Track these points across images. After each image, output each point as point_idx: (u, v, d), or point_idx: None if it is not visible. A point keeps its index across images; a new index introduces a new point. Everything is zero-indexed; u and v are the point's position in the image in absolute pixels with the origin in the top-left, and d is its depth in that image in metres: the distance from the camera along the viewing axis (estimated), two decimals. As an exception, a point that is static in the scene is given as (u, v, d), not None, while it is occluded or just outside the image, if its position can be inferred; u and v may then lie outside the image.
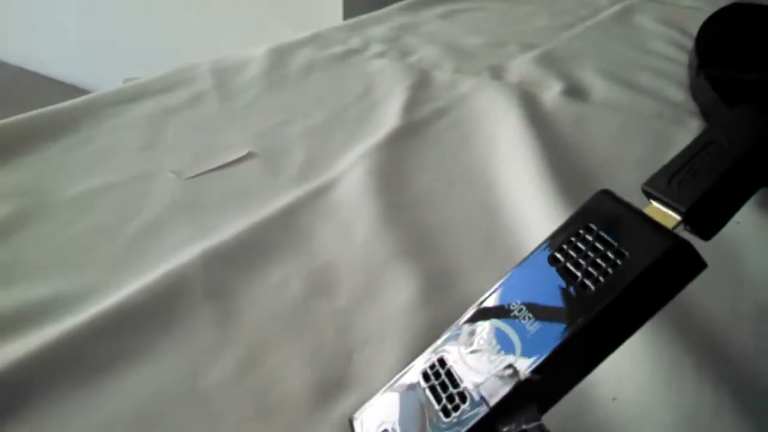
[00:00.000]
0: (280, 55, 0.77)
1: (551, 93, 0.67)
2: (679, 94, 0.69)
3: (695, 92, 0.68)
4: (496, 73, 0.72)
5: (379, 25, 0.87)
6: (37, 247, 0.46)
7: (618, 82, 0.70)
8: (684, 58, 0.78)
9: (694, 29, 0.82)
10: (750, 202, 0.49)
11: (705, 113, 0.64)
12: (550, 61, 0.76)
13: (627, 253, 0.28)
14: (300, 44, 0.80)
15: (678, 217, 0.28)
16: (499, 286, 0.32)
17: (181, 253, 0.44)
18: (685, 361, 0.35)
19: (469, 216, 0.49)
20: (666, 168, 0.30)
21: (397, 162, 0.55)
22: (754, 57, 0.70)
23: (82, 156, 0.57)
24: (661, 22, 0.90)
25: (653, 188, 0.30)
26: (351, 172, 0.53)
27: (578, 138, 0.60)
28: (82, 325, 0.38)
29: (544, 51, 0.79)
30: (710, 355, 0.36)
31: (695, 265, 0.27)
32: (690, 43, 0.81)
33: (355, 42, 0.81)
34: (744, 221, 0.48)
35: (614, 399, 0.34)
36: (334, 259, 0.44)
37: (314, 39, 0.82)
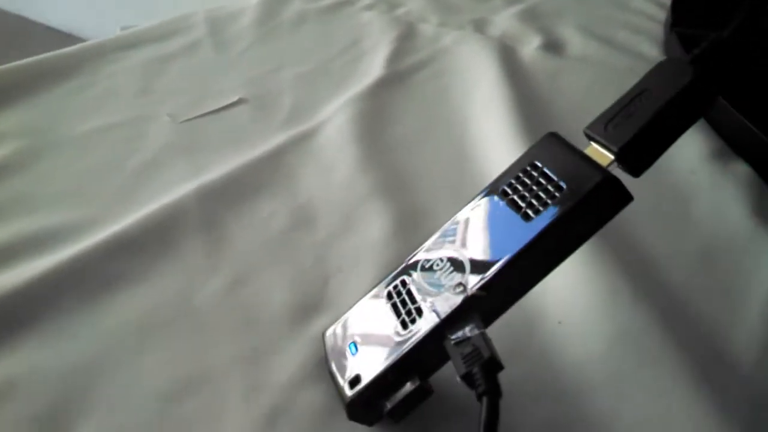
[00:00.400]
0: (272, 5, 0.80)
1: (530, 47, 0.70)
2: (653, 50, 0.72)
3: (667, 49, 0.71)
4: (479, 27, 0.76)
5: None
6: (46, 181, 0.50)
7: (595, 38, 0.74)
8: (662, 15, 0.81)
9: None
10: (705, 153, 0.53)
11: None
12: (532, 16, 0.79)
13: (564, 186, 0.32)
14: (291, -5, 0.83)
15: (611, 156, 0.32)
16: (454, 218, 0.36)
17: (177, 188, 0.48)
18: (623, 286, 0.39)
19: (442, 162, 0.53)
20: (604, 114, 0.34)
21: (379, 110, 0.59)
22: (727, 17, 0.73)
23: (84, 99, 0.61)
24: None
25: (592, 131, 0.34)
26: (335, 118, 0.57)
27: (552, 91, 0.63)
28: (87, 249, 0.42)
29: (527, 6, 0.82)
30: (647, 284, 0.40)
31: (623, 197, 0.31)
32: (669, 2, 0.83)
33: (344, -6, 0.84)
34: (698, 172, 0.52)
35: (560, 322, 0.39)
36: (316, 197, 0.48)
37: (305, -9, 0.85)
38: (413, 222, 0.46)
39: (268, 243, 0.44)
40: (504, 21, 0.78)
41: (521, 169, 0.35)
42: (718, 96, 0.33)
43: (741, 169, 0.52)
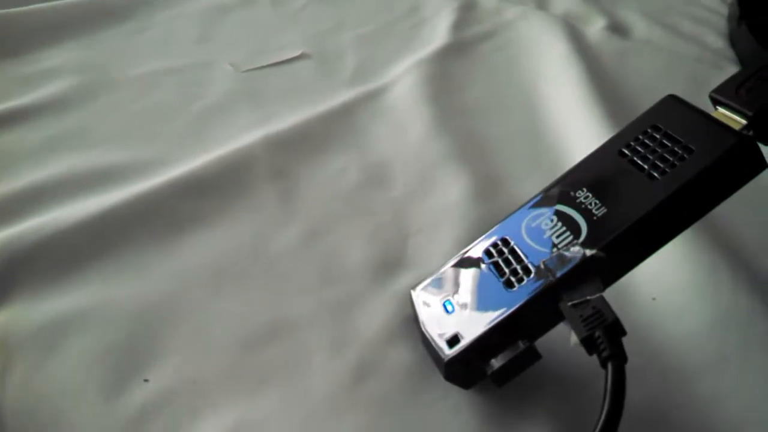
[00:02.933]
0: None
1: (595, 27, 0.68)
2: (718, 41, 0.70)
3: (734, 41, 0.70)
4: (541, 4, 0.73)
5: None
6: (107, 118, 0.48)
7: (659, 24, 0.72)
8: (724, 10, 0.79)
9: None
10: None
11: (743, 61, 0.66)
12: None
13: (694, 148, 0.30)
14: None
15: (744, 121, 0.31)
16: (563, 177, 0.34)
17: (245, 135, 0.46)
18: (722, 265, 0.37)
19: (516, 130, 0.51)
20: (734, 77, 0.32)
21: (447, 75, 0.57)
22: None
23: (140, 42, 0.59)
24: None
25: (720, 95, 0.32)
26: (403, 79, 0.55)
27: (620, 71, 0.61)
28: (156, 186, 0.41)
29: (588, -11, 0.80)
30: (745, 263, 0.38)
31: (758, 163, 0.29)
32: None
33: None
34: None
35: (654, 299, 0.37)
36: (389, 155, 0.46)
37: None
38: (493, 187, 0.44)
39: (343, 197, 0.42)
40: (565, 1, 0.76)
41: (641, 131, 0.33)
42: None
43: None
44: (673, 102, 0.33)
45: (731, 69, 0.64)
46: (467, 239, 0.38)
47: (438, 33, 0.64)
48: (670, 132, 0.31)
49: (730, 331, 0.35)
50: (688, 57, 0.66)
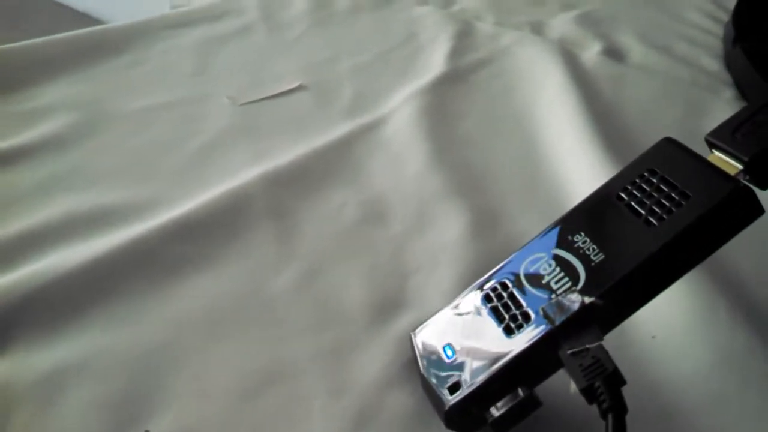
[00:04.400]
0: (324, -6, 0.78)
1: (591, 52, 0.69)
2: (713, 64, 0.70)
3: (730, 63, 0.70)
4: (537, 29, 0.74)
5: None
6: (101, 156, 0.48)
7: (654, 48, 0.72)
8: (718, 30, 0.79)
9: (730, 3, 0.83)
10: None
11: (739, 84, 0.66)
12: (589, 22, 0.77)
13: (691, 195, 0.30)
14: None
15: (739, 166, 0.31)
16: (560, 221, 0.34)
17: (242, 173, 0.46)
18: (719, 304, 0.37)
19: (514, 162, 0.51)
20: (730, 120, 0.32)
21: (444, 104, 0.57)
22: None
23: (136, 76, 0.59)
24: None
25: (716, 139, 0.32)
26: (401, 111, 0.55)
27: (617, 97, 0.62)
28: (152, 229, 0.40)
29: (583, 12, 0.80)
30: (741, 302, 0.38)
31: (754, 209, 0.29)
32: (725, 17, 0.82)
33: (397, -14, 0.82)
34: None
35: (654, 337, 0.37)
36: (387, 190, 0.46)
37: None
38: (491, 223, 0.44)
39: (341, 235, 0.42)
40: (561, 25, 0.76)
41: (638, 175, 0.33)
42: None
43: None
44: (668, 145, 0.33)
45: (727, 92, 0.64)
46: (467, 277, 0.38)
47: (434, 61, 0.64)
48: (666, 176, 0.31)
49: (729, 371, 0.35)
50: (683, 81, 0.67)
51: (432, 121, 0.54)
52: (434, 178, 0.47)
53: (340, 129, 0.52)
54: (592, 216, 0.33)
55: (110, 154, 0.49)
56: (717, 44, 0.76)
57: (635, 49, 0.71)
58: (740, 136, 0.31)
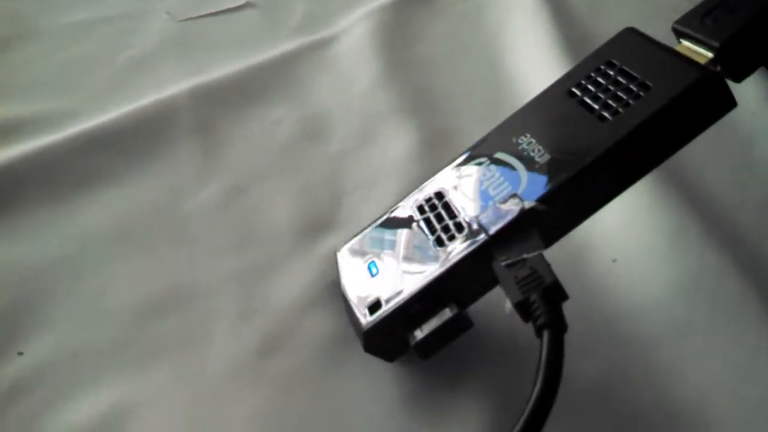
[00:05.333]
0: None
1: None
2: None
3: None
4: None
5: None
6: (24, 69, 0.44)
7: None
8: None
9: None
10: (765, 94, 0.47)
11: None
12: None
13: (652, 85, 0.25)
14: None
15: (710, 54, 0.26)
16: (505, 123, 0.30)
17: (170, 87, 0.42)
18: (690, 224, 0.33)
19: (474, 81, 0.46)
20: (699, 6, 0.28)
21: (403, 24, 0.52)
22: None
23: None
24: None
25: (684, 26, 0.28)
26: (354, 29, 0.50)
27: (592, 19, 0.57)
28: (61, 140, 0.37)
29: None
30: (715, 222, 0.34)
31: (724, 101, 0.25)
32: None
33: None
34: (759, 113, 0.46)
35: (614, 260, 0.33)
36: (331, 107, 0.42)
37: None
38: (442, 141, 0.40)
39: (274, 152, 0.38)
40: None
41: (594, 68, 0.28)
42: None
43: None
44: (631, 35, 0.29)
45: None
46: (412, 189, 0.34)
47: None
48: (626, 68, 0.27)
49: (697, 298, 0.30)
50: (665, 4, 0.62)
51: (388, 41, 0.49)
52: (383, 96, 0.43)
53: (285, 46, 0.47)
54: (539, 115, 0.29)
55: (35, 67, 0.45)
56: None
57: (617, -25, 0.67)
58: (710, 22, 0.27)
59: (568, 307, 0.26)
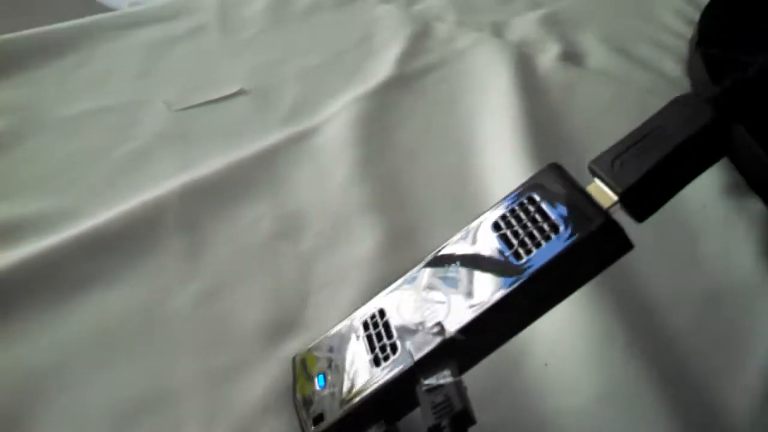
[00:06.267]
0: (287, -8, 0.77)
1: (548, 56, 0.67)
2: (676, 69, 0.69)
3: (691, 69, 0.68)
4: (498, 30, 0.73)
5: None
6: (28, 164, 0.48)
7: (617, 51, 0.70)
8: (689, 32, 0.78)
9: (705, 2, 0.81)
10: (719, 187, 0.50)
11: (696, 92, 0.65)
12: (554, 22, 0.76)
13: (561, 228, 0.29)
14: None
15: (614, 198, 0.30)
16: (445, 246, 0.33)
17: (162, 184, 0.46)
18: (618, 333, 0.37)
19: (443, 174, 0.50)
20: (613, 148, 0.32)
21: (383, 112, 0.56)
22: (755, 40, 0.70)
23: (79, 78, 0.59)
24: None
25: (597, 167, 0.31)
26: (337, 118, 0.54)
27: (567, 106, 0.60)
28: (57, 244, 0.40)
29: (550, 10, 0.79)
30: (646, 328, 0.37)
31: (622, 245, 0.28)
32: (698, 17, 0.80)
33: (363, -16, 0.81)
34: (710, 207, 0.49)
35: (546, 365, 0.36)
36: (307, 203, 0.46)
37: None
38: (406, 240, 0.43)
39: (251, 251, 0.42)
40: (524, 25, 0.75)
41: (518, 202, 0.32)
42: (728, 146, 0.30)
43: (755, 206, 0.50)
44: (551, 172, 0.32)
45: (682, 100, 0.63)
46: (369, 296, 0.37)
47: (383, 65, 0.63)
48: (543, 206, 0.31)
49: (616, 407, 0.34)
50: (641, 88, 0.65)
51: (366, 130, 0.53)
52: (357, 190, 0.47)
53: (271, 138, 0.51)
54: (468, 243, 0.32)
55: (37, 162, 0.49)
56: (684, 47, 0.74)
57: (596, 53, 0.70)
58: (619, 166, 0.31)
59: (499, 407, 0.30)
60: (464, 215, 0.45)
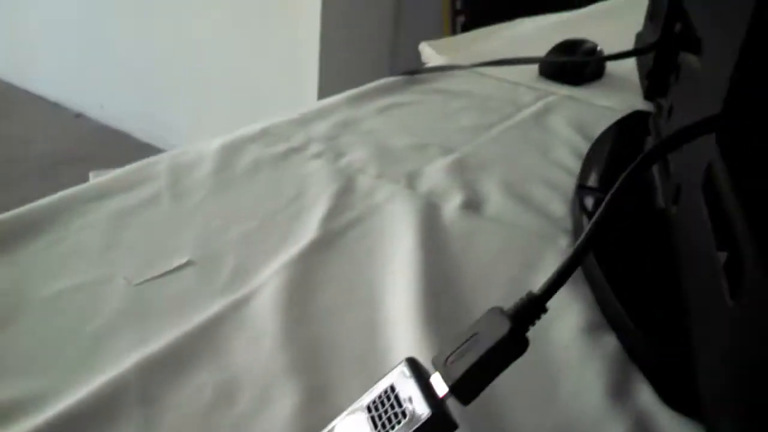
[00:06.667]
0: (229, 152, 0.89)
1: (451, 206, 0.80)
2: (561, 209, 0.81)
3: (572, 209, 0.81)
4: (412, 181, 0.85)
5: (323, 121, 0.99)
6: (10, 348, 0.58)
7: (512, 196, 0.83)
8: (578, 167, 0.90)
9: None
10: (581, 326, 0.61)
11: (576, 232, 0.77)
12: (460, 169, 0.88)
13: (406, 415, 0.41)
14: (250, 140, 0.93)
15: (446, 389, 0.42)
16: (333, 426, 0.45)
17: (122, 361, 0.57)
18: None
19: (354, 333, 0.61)
20: (446, 348, 0.43)
21: (308, 276, 0.67)
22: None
23: (55, 256, 0.69)
24: (572, 126, 1.01)
25: (436, 363, 0.43)
26: (268, 285, 0.66)
27: (465, 255, 0.72)
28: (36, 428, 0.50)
29: (458, 156, 0.91)
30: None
31: (449, 427, 0.40)
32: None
33: (297, 139, 0.94)
34: (571, 345, 0.61)
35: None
36: (240, 370, 0.57)
37: (263, 134, 0.94)
38: (319, 398, 0.54)
39: (194, 421, 0.53)
40: (434, 174, 0.87)
41: (383, 388, 0.44)
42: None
43: (612, 344, 0.61)
44: (409, 366, 0.44)
45: (563, 242, 0.75)
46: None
47: (309, 226, 0.75)
48: (398, 395, 0.42)
49: None
50: (529, 232, 0.77)
51: (292, 296, 0.64)
52: (281, 356, 0.58)
53: (212, 308, 0.62)
54: (349, 424, 0.44)
55: (18, 346, 0.59)
56: (572, 185, 0.87)
57: (493, 199, 0.83)
58: (449, 363, 0.42)
59: None
60: (368, 371, 0.57)
